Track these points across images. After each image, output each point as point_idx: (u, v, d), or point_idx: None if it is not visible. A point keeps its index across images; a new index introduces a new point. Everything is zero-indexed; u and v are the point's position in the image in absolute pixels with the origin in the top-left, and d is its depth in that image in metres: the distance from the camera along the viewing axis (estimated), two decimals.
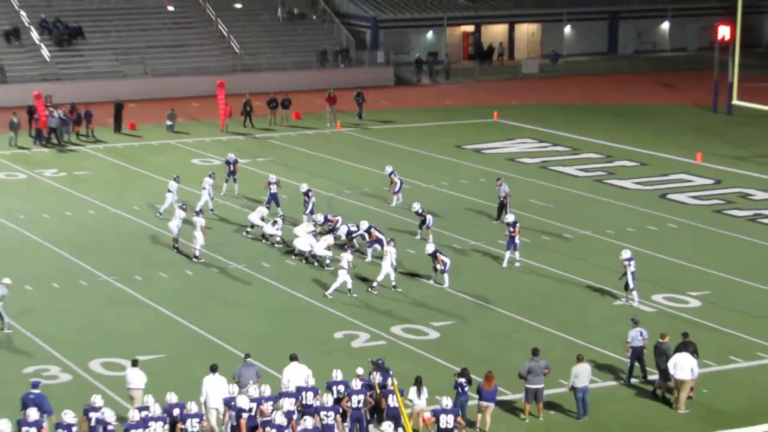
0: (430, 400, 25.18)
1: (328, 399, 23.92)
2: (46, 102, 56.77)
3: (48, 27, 70.36)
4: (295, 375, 25.19)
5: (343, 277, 33.83)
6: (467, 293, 34.35)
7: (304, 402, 24.25)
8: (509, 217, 37.53)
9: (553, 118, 62.23)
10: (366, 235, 37.27)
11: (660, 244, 39.20)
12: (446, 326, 31.78)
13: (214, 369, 25.17)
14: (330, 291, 33.92)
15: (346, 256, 34.22)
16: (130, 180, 48.60)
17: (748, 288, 35.14)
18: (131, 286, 34.90)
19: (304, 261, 37.01)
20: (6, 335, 30.99)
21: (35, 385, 24.48)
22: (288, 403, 23.71)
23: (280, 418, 22.94)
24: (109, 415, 23.14)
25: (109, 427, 23.09)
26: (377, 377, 25.00)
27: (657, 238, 40.04)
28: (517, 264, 36.81)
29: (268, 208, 40.71)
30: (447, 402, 23.81)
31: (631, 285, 33.19)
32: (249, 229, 39.95)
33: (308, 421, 22.98)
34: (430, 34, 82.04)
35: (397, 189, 43.87)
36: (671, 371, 26.63)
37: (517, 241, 36.66)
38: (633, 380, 28.12)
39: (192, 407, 23.61)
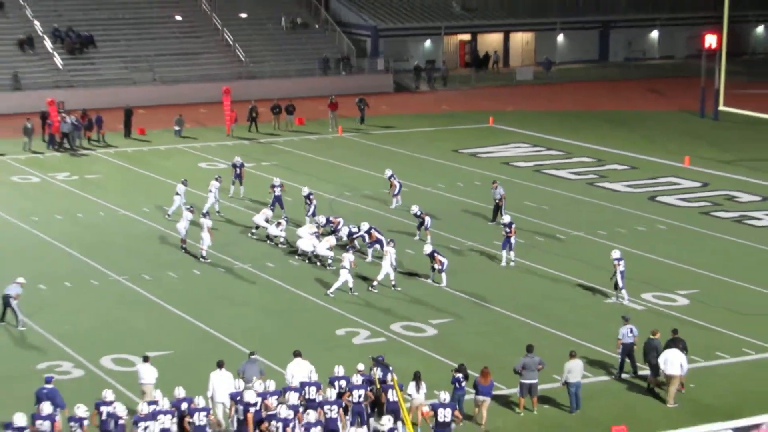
0: (429, 395, 25.15)
1: (332, 393, 23.93)
2: (59, 108, 56.71)
3: (61, 36, 70.35)
4: (299, 371, 25.17)
5: (345, 276, 33.83)
6: (464, 292, 34.34)
7: (307, 397, 24.25)
8: (506, 218, 37.53)
9: (547, 123, 62.20)
10: (366, 236, 37.26)
11: (649, 245, 39.18)
12: (444, 324, 31.77)
13: (220, 365, 25.16)
14: (332, 290, 33.91)
15: (348, 257, 34.21)
16: (139, 183, 48.58)
17: (734, 287, 35.12)
18: (140, 285, 34.89)
19: (307, 261, 36.99)
20: (20, 332, 30.98)
21: (48, 381, 24.49)
22: (293, 398, 23.71)
23: (285, 412, 22.94)
24: (120, 410, 23.15)
25: (120, 421, 23.11)
26: (377, 372, 24.98)
27: (647, 239, 40.03)
28: (512, 263, 36.81)
29: (273, 210, 40.70)
30: (445, 396, 23.80)
31: (620, 284, 33.18)
32: (254, 231, 39.94)
33: (311, 415, 22.98)
34: (428, 43, 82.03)
35: (396, 192, 43.86)
36: (661, 366, 26.62)
37: (512, 241, 36.68)
38: (624, 375, 28.12)
39: (199, 401, 23.60)
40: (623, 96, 72.45)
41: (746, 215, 43.26)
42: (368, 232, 37.22)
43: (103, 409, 23.23)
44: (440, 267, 34.74)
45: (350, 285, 33.91)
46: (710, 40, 61.99)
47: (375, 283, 34.41)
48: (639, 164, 52.13)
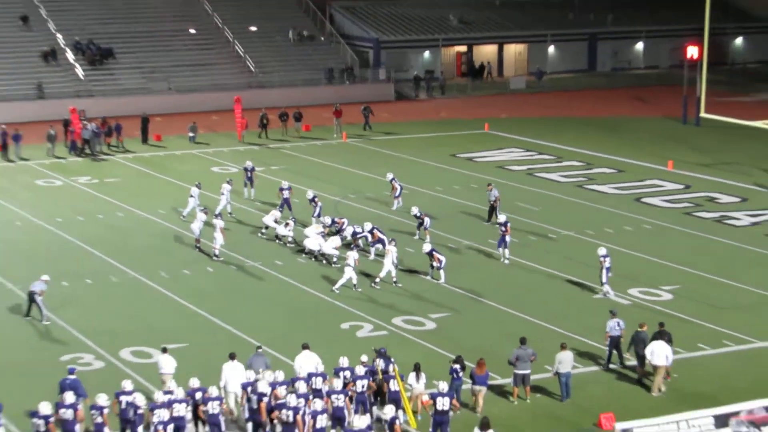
0: (428, 385, 25.17)
1: (339, 384, 23.92)
2: (81, 116, 56.82)
3: (82, 48, 70.37)
4: (307, 362, 25.18)
5: (349, 273, 33.82)
6: (461, 288, 34.33)
7: (314, 386, 24.25)
8: (501, 218, 37.53)
9: (539, 129, 62.16)
10: (369, 236, 37.25)
11: (635, 243, 39.16)
12: (442, 318, 31.77)
13: (232, 357, 25.17)
14: (337, 286, 33.91)
15: (352, 255, 34.22)
16: (155, 186, 48.59)
17: (714, 282, 35.11)
18: (157, 282, 34.90)
19: (313, 259, 37.00)
20: (44, 326, 31.02)
21: (71, 372, 24.52)
22: (302, 387, 23.69)
23: (294, 400, 22.94)
24: (139, 399, 23.18)
25: (139, 411, 23.13)
26: (380, 364, 24.99)
27: (633, 238, 40.01)
28: (507, 261, 36.81)
29: (281, 211, 40.71)
30: (443, 386, 23.82)
31: (604, 279, 33.16)
32: (263, 231, 39.94)
33: (318, 404, 22.98)
34: (427, 54, 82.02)
35: (397, 194, 43.86)
36: (648, 357, 26.63)
37: (507, 239, 36.69)
38: (611, 366, 28.12)
39: (213, 391, 23.63)
40: (610, 103, 72.41)
41: (726, 215, 43.24)
42: (371, 231, 37.22)
43: (123, 398, 23.25)
44: (439, 264, 34.74)
45: (354, 281, 33.90)
46: (692, 51, 61.95)
47: (377, 279, 34.40)
48: (625, 168, 52.11)
